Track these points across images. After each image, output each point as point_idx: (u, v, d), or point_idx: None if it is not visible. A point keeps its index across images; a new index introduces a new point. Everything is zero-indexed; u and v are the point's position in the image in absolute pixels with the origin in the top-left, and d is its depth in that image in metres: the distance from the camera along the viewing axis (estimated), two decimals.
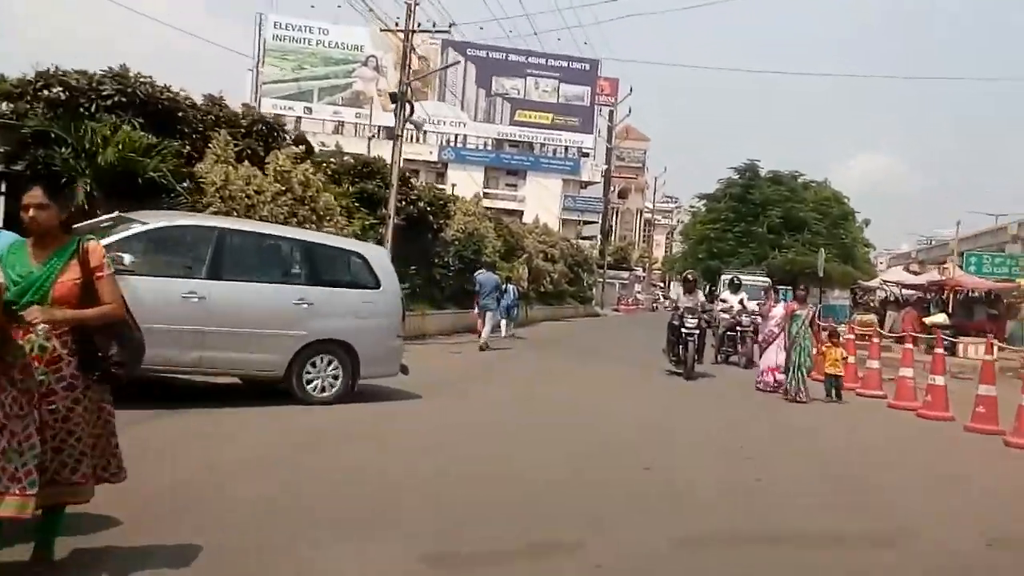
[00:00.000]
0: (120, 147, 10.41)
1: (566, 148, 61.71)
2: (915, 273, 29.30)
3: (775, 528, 5.37)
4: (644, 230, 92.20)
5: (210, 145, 12.41)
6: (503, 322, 19.57)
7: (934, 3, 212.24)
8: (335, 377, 8.53)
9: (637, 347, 22.03)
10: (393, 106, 17.52)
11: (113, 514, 4.22)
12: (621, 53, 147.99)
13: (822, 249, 29.58)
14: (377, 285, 8.84)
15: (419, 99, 56.08)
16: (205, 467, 5.80)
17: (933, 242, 62.39)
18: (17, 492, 3.16)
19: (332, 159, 19.36)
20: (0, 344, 3.20)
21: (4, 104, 11.35)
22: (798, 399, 11.54)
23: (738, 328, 17.04)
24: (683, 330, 13.63)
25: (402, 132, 17.42)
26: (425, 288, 21.32)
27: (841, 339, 12.38)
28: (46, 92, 11.44)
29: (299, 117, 56.20)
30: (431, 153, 59.51)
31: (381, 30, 16.93)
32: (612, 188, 67.32)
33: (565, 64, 61.68)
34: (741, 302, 17.21)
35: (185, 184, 11.64)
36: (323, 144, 23.35)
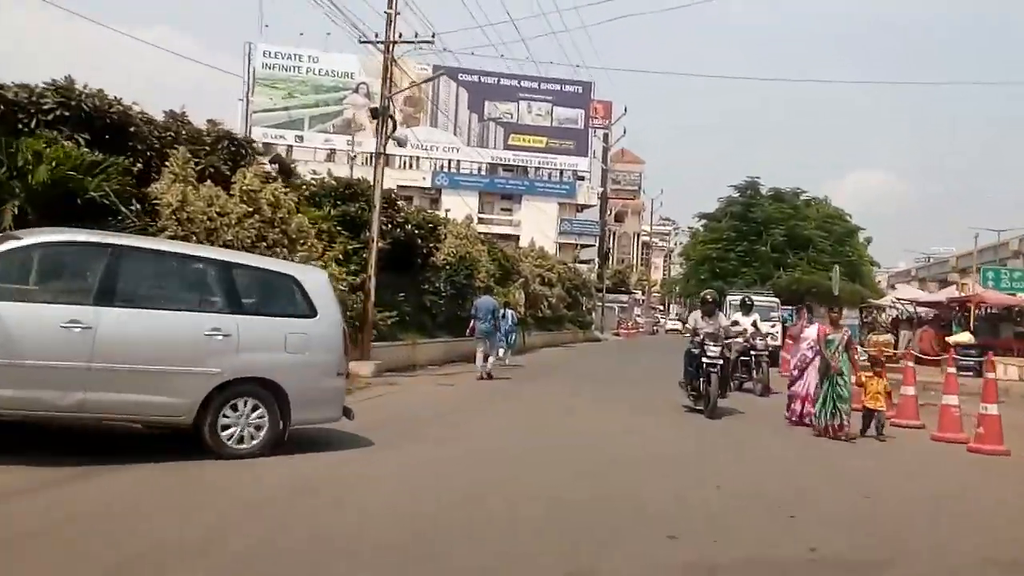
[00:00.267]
0: (55, 164, 9.18)
1: (561, 172, 60.98)
2: (932, 289, 28.04)
3: None
4: (642, 253, 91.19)
5: (167, 163, 11.19)
6: (502, 349, 18.28)
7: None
8: (258, 427, 7.07)
9: (646, 375, 20.71)
10: (375, 122, 16.31)
11: None
12: (615, 73, 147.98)
13: (836, 267, 28.31)
14: (312, 313, 7.43)
15: (411, 125, 55.89)
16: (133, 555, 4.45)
17: (932, 259, 61.67)
18: None
19: (312, 181, 18.19)
20: None
21: None
22: (839, 436, 10.10)
23: (752, 352, 15.73)
24: (704, 360, 11.78)
25: (384, 149, 16.23)
26: (415, 315, 20.06)
27: (883, 367, 10.83)
28: None
29: (290, 146, 55.56)
30: (424, 179, 58.74)
31: (360, 41, 15.81)
32: (609, 211, 66.42)
33: (558, 87, 61.15)
34: (754, 324, 15.92)
35: (136, 206, 10.40)
36: (314, 172, 22.19)
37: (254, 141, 13.26)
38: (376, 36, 16.09)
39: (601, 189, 64.18)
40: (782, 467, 8.74)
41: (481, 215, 53.73)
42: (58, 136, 9.98)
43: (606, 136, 65.13)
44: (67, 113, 10.37)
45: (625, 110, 62.93)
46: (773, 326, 21.69)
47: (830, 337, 10.19)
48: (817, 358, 10.47)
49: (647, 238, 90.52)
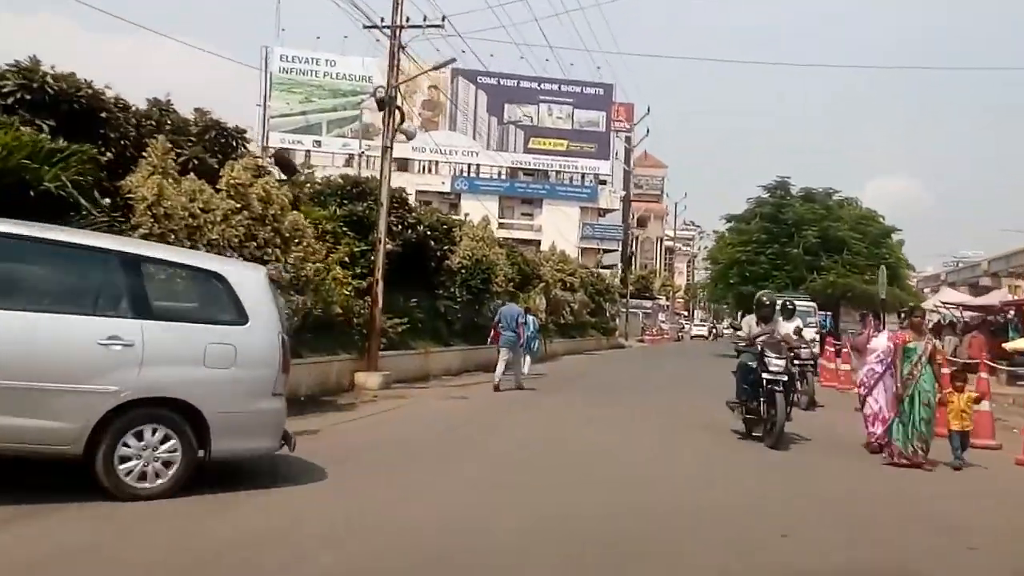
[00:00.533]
0: (6, 152, 8.03)
1: (583, 175, 59.71)
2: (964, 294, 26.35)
3: None
4: (665, 258, 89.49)
5: (144, 154, 10.04)
6: (525, 358, 17.06)
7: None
8: (167, 462, 5.72)
9: (679, 386, 19.22)
10: (382, 114, 15.11)
11: None
12: (638, 77, 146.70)
13: (883, 267, 26.61)
14: (243, 319, 6.05)
15: (430, 129, 55.01)
16: None
17: (960, 263, 59.54)
18: None
19: (318, 179, 17.03)
20: None
21: None
22: (919, 464, 8.52)
23: (796, 362, 14.23)
24: (765, 376, 9.74)
25: (391, 142, 15.00)
26: (428, 322, 18.84)
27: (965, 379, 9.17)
28: None
29: (308, 151, 54.84)
30: (443, 184, 57.76)
31: (365, 27, 14.62)
32: (631, 215, 64.96)
33: (578, 89, 59.99)
34: (798, 331, 14.44)
35: (106, 200, 9.22)
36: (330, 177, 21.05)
37: (245, 131, 12.05)
38: (382, 21, 14.89)
39: (624, 192, 62.76)
40: (875, 517, 6.66)
41: (501, 220, 52.58)
42: (16, 121, 8.83)
43: (628, 139, 63.79)
44: (28, 96, 9.24)
45: (648, 110, 61.53)
46: (816, 332, 20.20)
47: (911, 346, 8.50)
48: (888, 373, 8.86)
49: (670, 243, 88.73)
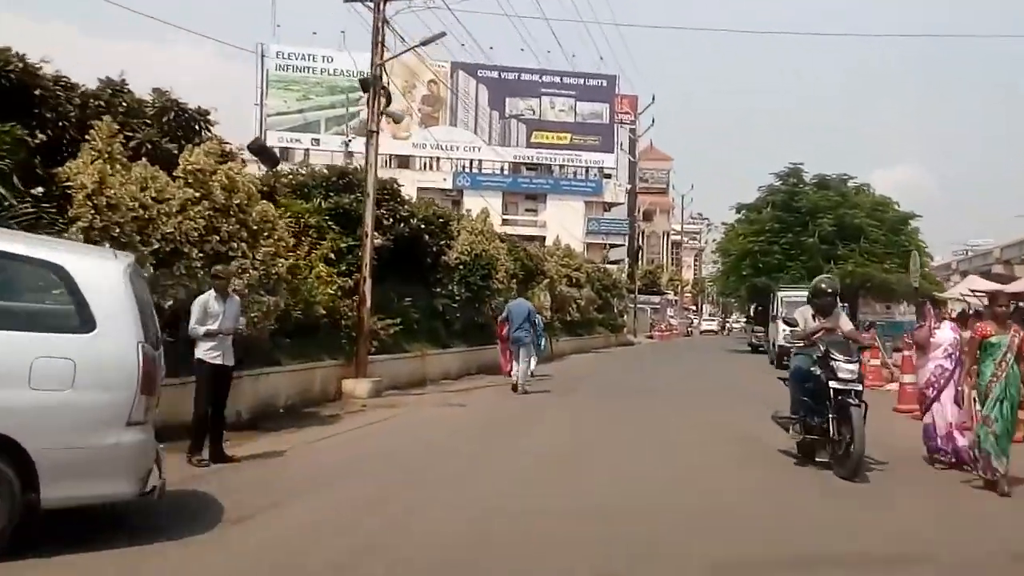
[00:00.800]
0: None
1: (587, 169, 58.34)
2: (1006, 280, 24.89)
3: None
4: (672, 252, 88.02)
5: (87, 136, 8.77)
6: (534, 360, 15.87)
7: None
8: None
9: (700, 388, 17.90)
10: (368, 98, 13.79)
11: None
12: (642, 68, 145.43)
13: (915, 253, 25.16)
14: (87, 325, 4.67)
15: (430, 124, 53.73)
16: None
17: (971, 252, 58.04)
18: None
19: (300, 170, 15.77)
20: None
21: None
22: (997, 485, 6.82)
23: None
24: (834, 385, 7.50)
25: (377, 126, 13.70)
26: (425, 323, 17.55)
27: None
28: None
29: (307, 149, 53.71)
30: (445, 180, 56.45)
31: (345, 0, 13.28)
32: (637, 208, 63.55)
33: (581, 81, 58.66)
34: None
35: (39, 189, 7.97)
36: None
37: (208, 112, 10.76)
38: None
39: (629, 185, 61.36)
40: None
41: (505, 216, 51.33)
42: None
43: (633, 130, 62.39)
44: None
45: (653, 99, 60.04)
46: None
47: (993, 340, 6.82)
48: (960, 371, 7.38)
49: (677, 237, 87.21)
